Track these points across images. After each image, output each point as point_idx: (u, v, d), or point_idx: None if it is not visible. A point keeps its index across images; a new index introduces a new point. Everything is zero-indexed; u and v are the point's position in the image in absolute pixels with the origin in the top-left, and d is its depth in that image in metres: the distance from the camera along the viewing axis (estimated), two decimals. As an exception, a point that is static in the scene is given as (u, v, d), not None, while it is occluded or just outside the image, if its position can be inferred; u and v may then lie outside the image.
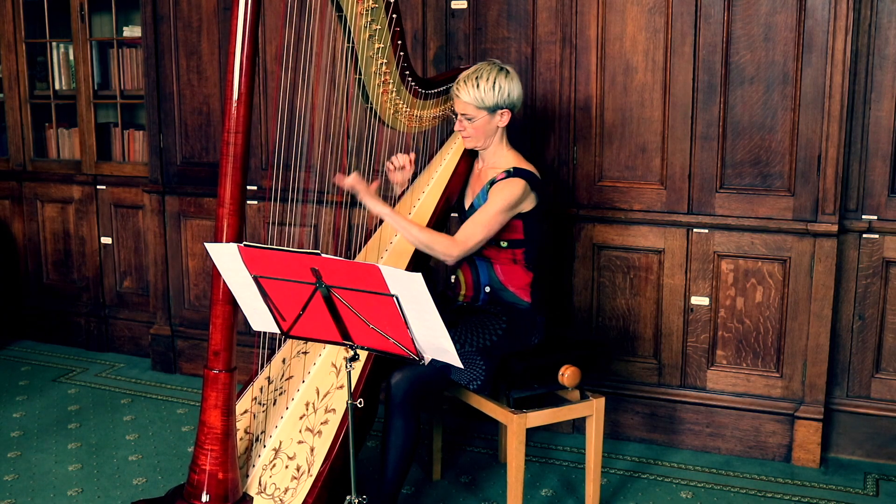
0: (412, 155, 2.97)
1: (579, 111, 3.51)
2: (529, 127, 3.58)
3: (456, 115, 2.88)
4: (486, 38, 3.59)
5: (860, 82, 3.23)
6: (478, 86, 2.78)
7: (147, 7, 4.16)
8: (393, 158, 2.95)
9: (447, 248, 2.73)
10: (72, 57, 4.60)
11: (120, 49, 4.49)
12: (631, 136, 3.47)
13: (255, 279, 2.13)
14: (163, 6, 4.14)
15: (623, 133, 3.48)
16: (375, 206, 2.70)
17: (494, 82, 2.78)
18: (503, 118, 2.84)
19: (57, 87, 4.69)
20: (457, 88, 2.82)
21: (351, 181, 2.69)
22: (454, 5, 3.61)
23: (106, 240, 4.65)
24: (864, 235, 3.30)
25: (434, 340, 2.06)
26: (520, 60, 3.55)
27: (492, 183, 2.83)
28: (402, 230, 2.73)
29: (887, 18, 3.17)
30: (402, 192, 3.03)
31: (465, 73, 2.83)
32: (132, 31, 4.47)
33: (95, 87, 4.56)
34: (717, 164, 3.37)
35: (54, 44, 4.65)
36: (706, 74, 3.32)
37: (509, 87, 2.81)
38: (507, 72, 2.82)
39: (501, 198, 2.76)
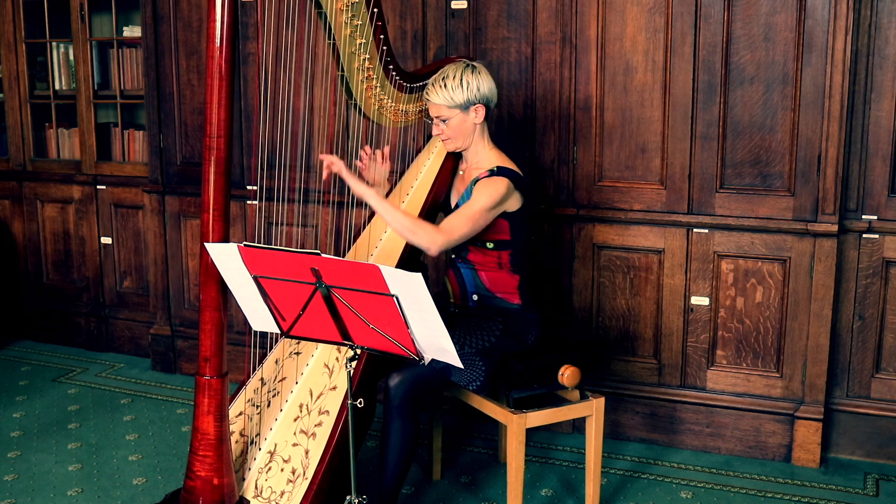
0: (386, 148, 2.92)
1: (579, 111, 3.51)
2: (529, 127, 3.58)
3: (430, 119, 2.86)
4: (486, 38, 3.59)
5: (860, 82, 3.23)
6: (445, 85, 2.77)
7: (147, 7, 4.16)
8: (362, 153, 2.90)
9: (431, 236, 2.63)
10: (72, 57, 4.60)
11: (120, 49, 4.49)
12: (631, 136, 3.47)
13: (255, 279, 2.13)
14: (163, 6, 4.15)
15: (623, 133, 3.48)
16: (358, 186, 2.63)
17: (462, 79, 2.77)
18: (478, 114, 2.82)
19: (57, 87, 4.69)
20: (426, 93, 2.82)
21: (329, 160, 2.65)
22: (454, 5, 3.61)
23: (106, 240, 4.65)
24: (864, 235, 3.30)
25: (434, 340, 2.06)
26: (520, 60, 3.55)
27: (475, 182, 2.81)
28: (385, 215, 2.63)
29: (887, 18, 3.17)
30: (389, 192, 3.00)
31: (432, 78, 2.83)
32: (132, 31, 4.47)
33: (95, 87, 4.56)
34: (717, 164, 3.37)
35: (54, 44, 4.65)
36: (706, 74, 3.32)
37: (477, 82, 2.79)
38: (474, 67, 2.81)
39: (486, 195, 2.72)
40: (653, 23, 3.36)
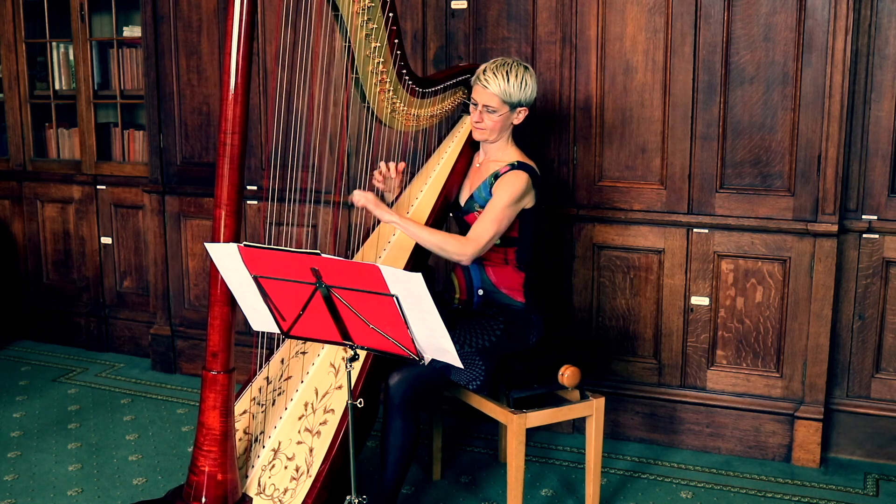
0: (401, 165, 2.92)
1: (579, 111, 3.51)
2: (529, 127, 3.58)
3: (474, 103, 2.82)
4: (486, 38, 3.59)
5: (860, 82, 3.23)
6: (508, 80, 2.75)
7: (147, 7, 4.16)
8: (376, 173, 2.91)
9: (460, 247, 2.72)
10: (72, 57, 4.60)
11: (120, 49, 4.49)
12: (631, 136, 3.47)
13: (255, 279, 2.13)
14: (163, 6, 4.15)
15: (623, 133, 3.48)
16: (384, 215, 2.70)
17: (523, 79, 2.77)
18: (520, 116, 2.83)
19: (57, 87, 4.69)
20: (485, 79, 2.76)
21: (361, 198, 2.69)
22: (454, 5, 3.61)
23: (106, 240, 4.65)
24: (864, 235, 3.30)
25: (434, 340, 2.06)
26: (520, 60, 3.55)
27: (496, 176, 2.82)
28: (413, 235, 2.73)
29: (887, 18, 3.17)
30: (398, 195, 3.01)
31: (492, 65, 2.78)
32: (132, 31, 4.47)
33: (95, 87, 4.56)
34: (717, 164, 3.37)
35: (54, 44, 4.65)
36: (706, 74, 3.32)
37: (533, 86, 2.80)
38: (530, 70, 2.82)
39: (508, 192, 2.75)
40: (653, 23, 3.36)
